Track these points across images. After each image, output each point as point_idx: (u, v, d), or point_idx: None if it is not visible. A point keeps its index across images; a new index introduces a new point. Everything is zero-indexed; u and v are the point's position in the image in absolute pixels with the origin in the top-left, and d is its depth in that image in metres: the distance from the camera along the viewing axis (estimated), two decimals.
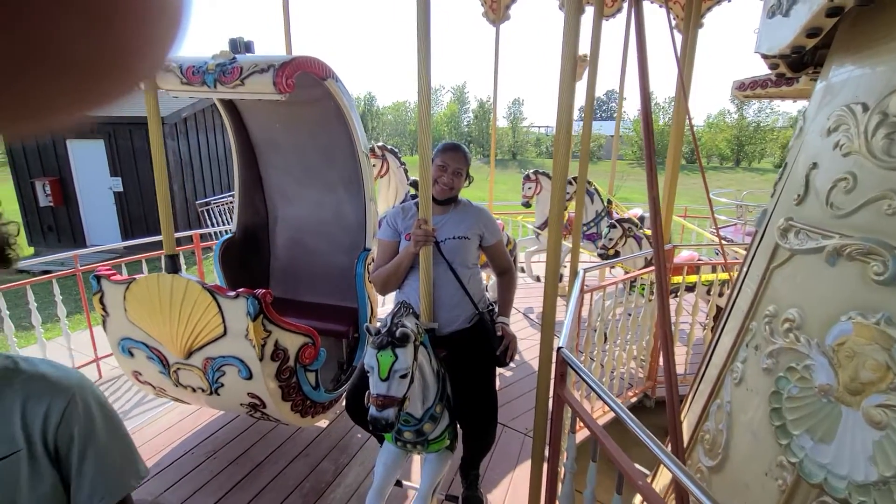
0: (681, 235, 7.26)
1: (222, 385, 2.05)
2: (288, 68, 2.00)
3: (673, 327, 3.33)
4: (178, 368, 2.08)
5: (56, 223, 8.83)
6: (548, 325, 1.48)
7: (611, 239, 3.68)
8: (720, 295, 3.46)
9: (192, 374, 2.06)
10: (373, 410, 1.26)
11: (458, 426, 1.74)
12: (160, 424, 2.73)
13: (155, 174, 1.81)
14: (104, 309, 2.06)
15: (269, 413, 2.18)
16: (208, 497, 2.20)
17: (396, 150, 4.03)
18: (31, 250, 8.77)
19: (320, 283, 3.07)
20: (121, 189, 8.59)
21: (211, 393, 2.10)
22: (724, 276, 3.43)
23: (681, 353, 3.67)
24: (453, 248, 1.74)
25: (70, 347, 3.49)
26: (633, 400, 3.24)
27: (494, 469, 2.44)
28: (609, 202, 5.05)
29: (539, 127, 42.68)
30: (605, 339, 3.04)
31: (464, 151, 1.83)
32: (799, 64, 1.60)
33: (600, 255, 3.82)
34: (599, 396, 1.22)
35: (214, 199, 9.24)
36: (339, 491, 2.28)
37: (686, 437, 1.64)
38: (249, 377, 1.97)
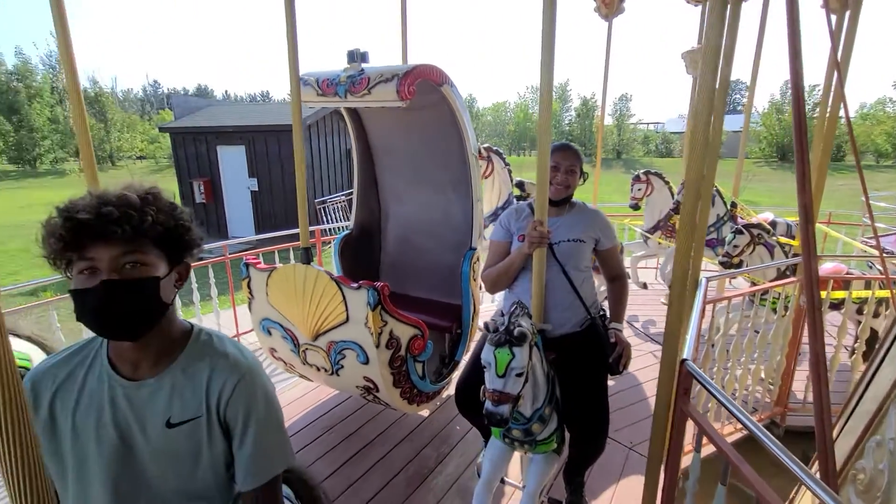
0: (823, 244, 6.29)
1: (342, 367, 2.26)
2: (410, 77, 2.14)
3: (808, 348, 2.91)
4: (307, 349, 2.33)
5: (206, 217, 10.39)
6: (672, 336, 1.41)
7: (735, 246, 3.32)
8: (876, 315, 2.94)
9: (318, 355, 2.30)
10: (489, 405, 1.31)
11: (567, 430, 1.72)
12: (286, 397, 3.09)
13: (296, 177, 2.06)
14: (250, 292, 2.38)
15: (381, 397, 2.35)
16: (326, 467, 2.44)
17: (501, 151, 4.07)
18: None
19: (426, 279, 3.23)
20: (256, 188, 9.82)
21: (332, 373, 2.33)
22: (884, 293, 2.91)
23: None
24: (567, 252, 1.73)
25: (218, 324, 4.09)
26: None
27: (596, 479, 2.36)
28: (733, 205, 4.56)
29: (647, 124, 39.80)
30: (727, 356, 2.76)
31: (574, 149, 1.81)
32: None
33: (722, 264, 3.47)
34: (732, 413, 1.13)
35: (330, 198, 10.13)
36: (441, 479, 2.38)
37: None
38: (366, 362, 2.15)
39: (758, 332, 2.85)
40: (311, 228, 5.21)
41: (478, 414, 1.80)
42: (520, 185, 3.96)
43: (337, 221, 9.41)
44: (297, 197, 2.13)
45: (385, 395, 2.29)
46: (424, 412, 2.91)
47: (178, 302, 3.58)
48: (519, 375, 1.31)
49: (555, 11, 1.39)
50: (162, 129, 13.86)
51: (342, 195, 10.24)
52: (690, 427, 1.62)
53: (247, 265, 2.33)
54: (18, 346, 1.73)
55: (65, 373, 0.93)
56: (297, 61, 1.89)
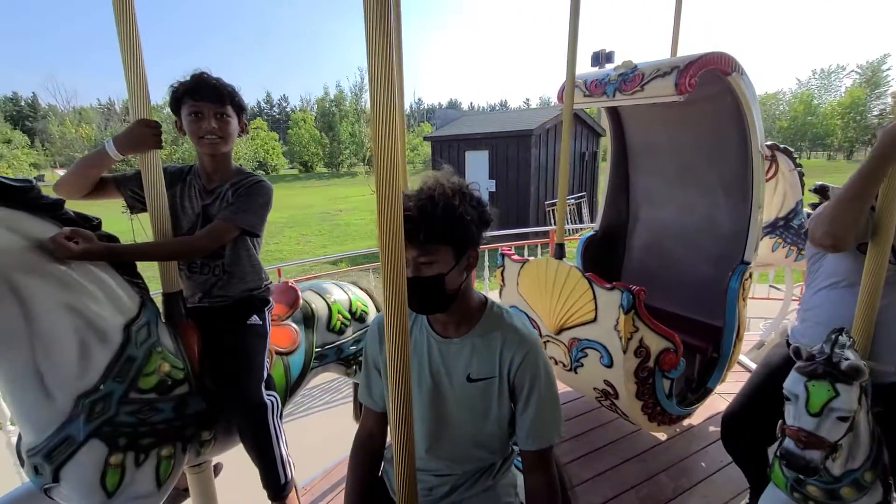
0: None
1: (582, 365, 2.26)
2: (693, 68, 1.96)
3: None
4: (548, 340, 2.42)
5: None
6: None
7: None
8: None
9: (558, 349, 2.36)
10: (792, 445, 1.10)
11: None
12: None
13: (560, 180, 2.15)
14: (503, 280, 2.62)
15: (619, 405, 2.26)
16: None
17: (790, 150, 3.33)
18: None
19: (677, 292, 2.92)
20: (493, 189, 10.72)
21: (570, 369, 2.35)
22: None
23: None
24: None
25: None
26: None
27: None
28: None
29: None
30: None
31: None
32: None
33: None
34: None
35: None
36: None
37: None
38: (610, 365, 2.09)
39: None
40: (546, 228, 5.40)
41: (749, 452, 1.54)
42: (821, 189, 3.15)
43: (566, 224, 9.45)
44: (558, 198, 2.22)
45: (624, 404, 2.19)
46: (661, 435, 2.66)
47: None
48: (842, 420, 1.05)
49: None
50: (426, 139, 16.48)
51: (572, 198, 10.20)
52: None
53: (503, 255, 2.56)
54: (360, 294, 2.36)
55: None
56: (574, 63, 1.97)
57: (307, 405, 3.68)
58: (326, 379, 4.17)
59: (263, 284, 1.80)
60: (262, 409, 1.55)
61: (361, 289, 2.39)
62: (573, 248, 3.33)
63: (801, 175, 3.34)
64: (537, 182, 10.05)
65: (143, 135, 1.41)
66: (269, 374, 1.68)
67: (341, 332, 2.15)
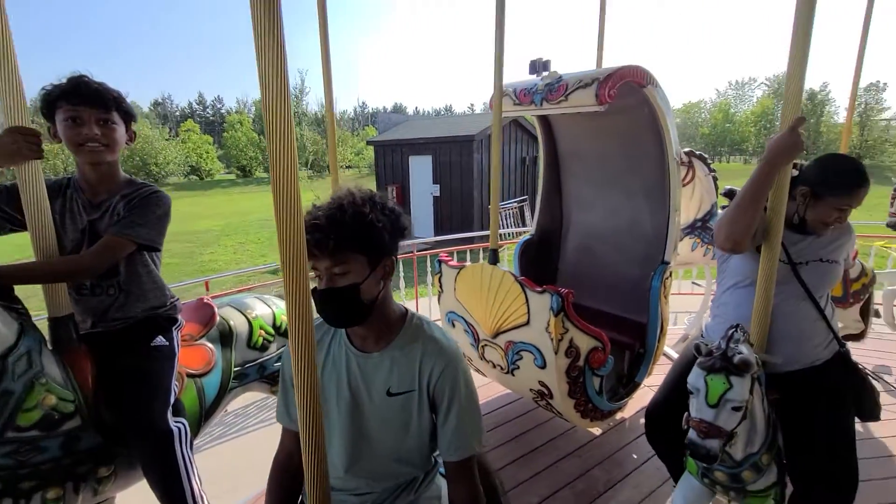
0: None
1: (518, 367, 2.31)
2: (611, 80, 2.07)
3: None
4: (485, 345, 2.45)
5: None
6: None
7: None
8: None
9: (495, 352, 2.40)
10: (694, 435, 1.17)
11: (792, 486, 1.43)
12: None
13: (491, 184, 2.18)
14: (441, 286, 2.62)
15: (553, 405, 2.32)
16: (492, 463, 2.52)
17: (705, 156, 3.60)
18: None
19: (606, 292, 3.07)
20: (438, 194, 10.76)
21: (507, 372, 2.40)
22: None
23: None
24: (818, 275, 1.43)
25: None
26: None
27: None
28: None
29: None
30: None
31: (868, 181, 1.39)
32: None
33: None
34: None
35: (503, 205, 10.46)
36: None
37: None
38: (543, 366, 2.15)
39: None
40: (484, 233, 5.49)
41: (671, 445, 1.63)
42: (729, 193, 3.43)
43: (509, 227, 9.65)
44: (491, 203, 2.25)
45: (558, 403, 2.25)
46: (596, 430, 2.76)
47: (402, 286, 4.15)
48: (736, 409, 1.14)
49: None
50: (369, 143, 16.29)
51: (514, 202, 10.46)
52: None
53: (440, 262, 2.56)
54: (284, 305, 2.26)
55: (318, 335, 1.16)
56: (501, 73, 2.01)
57: (241, 425, 3.49)
58: (261, 397, 3.98)
59: (169, 302, 1.66)
60: (168, 437, 1.43)
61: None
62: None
63: (716, 179, 3.61)
64: (480, 187, 10.23)
65: (17, 144, 1.26)
66: (177, 399, 1.56)
67: (264, 348, 2.05)
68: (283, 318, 2.19)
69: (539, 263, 3.30)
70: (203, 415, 1.73)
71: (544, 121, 3.07)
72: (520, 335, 2.22)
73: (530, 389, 2.38)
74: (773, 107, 34.69)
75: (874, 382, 1.53)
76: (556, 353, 2.07)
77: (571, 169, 3.19)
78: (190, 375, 1.70)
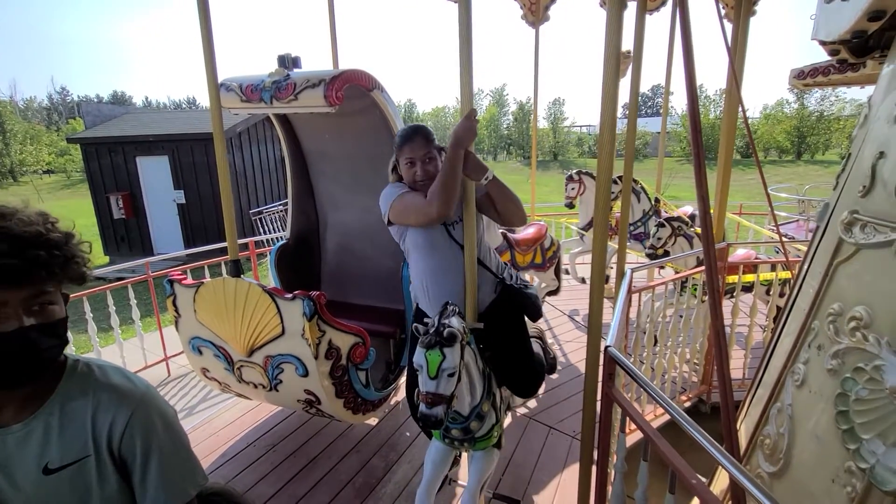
0: (736, 233, 6.91)
1: (281, 381, 2.18)
2: (337, 82, 2.11)
3: (729, 330, 3.19)
4: (242, 366, 2.22)
5: (127, 234, 9.61)
6: (595, 325, 1.48)
7: (659, 238, 3.57)
8: (781, 295, 3.27)
9: (254, 371, 2.20)
10: (423, 407, 1.31)
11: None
12: (225, 418, 2.93)
13: (220, 187, 1.96)
14: (176, 310, 2.24)
15: (324, 409, 2.29)
16: (269, 487, 2.33)
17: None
18: (107, 259, 9.59)
19: (368, 286, 3.18)
20: (183, 201, 9.22)
21: (271, 389, 2.23)
22: (785, 274, 3.24)
23: (738, 357, 3.50)
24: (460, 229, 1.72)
25: (143, 347, 3.79)
26: (687, 404, 3.13)
27: (542, 471, 2.44)
28: (657, 201, 4.90)
29: (581, 126, 41.87)
30: (655, 341, 2.95)
31: (424, 131, 1.69)
32: (863, 48, 1.51)
33: (648, 255, 3.72)
34: (651, 396, 1.21)
35: (266, 208, 9.72)
36: (390, 487, 2.35)
37: (744, 443, 1.58)
38: (306, 374, 2.08)
39: (682, 318, 3.07)
40: (245, 241, 4.99)
41: None
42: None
43: (275, 232, 9.05)
44: (223, 207, 2.03)
45: (328, 406, 2.23)
46: (372, 421, 2.86)
47: (92, 328, 3.29)
48: (451, 376, 1.32)
49: (470, 18, 1.43)
50: (70, 140, 12.62)
51: (279, 205, 9.87)
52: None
53: (170, 281, 2.18)
54: None
55: None
56: (214, 63, 1.81)
57: None
58: None
59: None
60: None
61: None
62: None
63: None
64: (237, 189, 9.22)
65: None
66: None
67: None
68: None
69: (299, 268, 3.18)
70: None
71: (283, 119, 2.94)
72: (277, 347, 2.09)
73: (297, 400, 2.28)
74: (497, 113, 42.57)
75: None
76: (316, 357, 2.03)
77: (320, 169, 3.16)
78: None
